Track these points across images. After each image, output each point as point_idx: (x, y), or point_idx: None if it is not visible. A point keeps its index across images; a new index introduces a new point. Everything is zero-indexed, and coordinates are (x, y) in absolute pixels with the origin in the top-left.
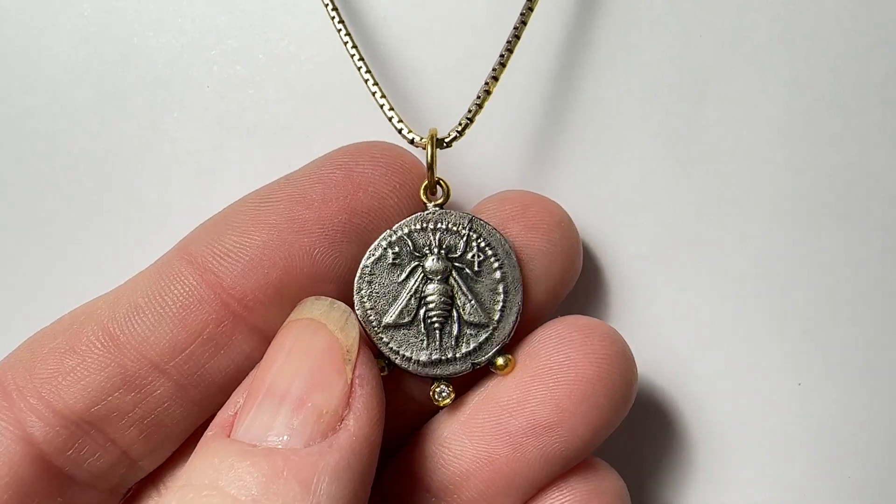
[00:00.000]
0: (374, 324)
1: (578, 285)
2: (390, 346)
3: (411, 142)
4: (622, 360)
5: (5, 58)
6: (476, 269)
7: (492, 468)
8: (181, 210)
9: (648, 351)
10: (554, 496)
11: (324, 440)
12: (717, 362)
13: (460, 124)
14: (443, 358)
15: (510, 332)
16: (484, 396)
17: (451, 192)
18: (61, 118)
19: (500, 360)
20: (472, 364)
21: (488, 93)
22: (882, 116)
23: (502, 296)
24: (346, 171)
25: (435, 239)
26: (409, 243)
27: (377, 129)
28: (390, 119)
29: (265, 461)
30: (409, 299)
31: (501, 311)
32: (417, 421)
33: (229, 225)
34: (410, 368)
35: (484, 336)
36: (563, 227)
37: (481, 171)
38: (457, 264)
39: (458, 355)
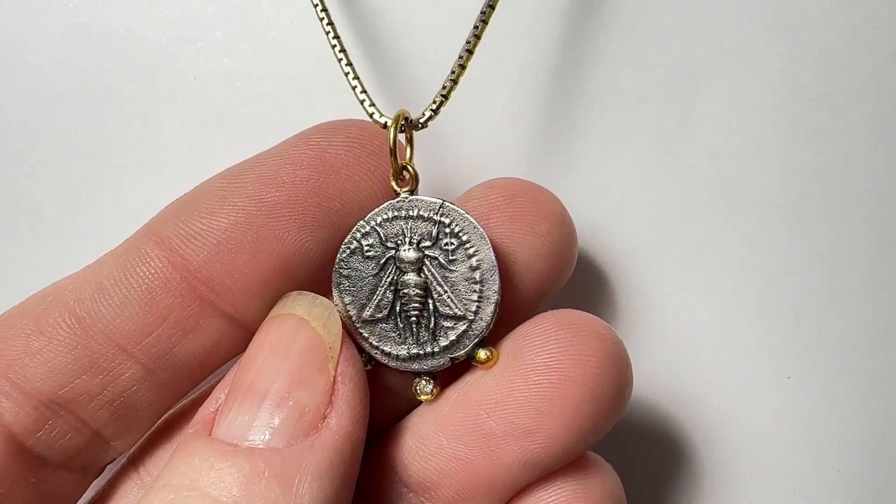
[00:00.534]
0: (353, 318)
1: (576, 279)
2: (370, 341)
3: (384, 126)
4: (613, 361)
5: None
6: (450, 257)
7: (468, 469)
8: (166, 201)
9: (639, 343)
10: (539, 495)
11: (306, 439)
12: (708, 355)
13: (434, 102)
14: (421, 352)
15: (489, 325)
16: (463, 393)
17: (420, 178)
18: (46, 110)
19: (481, 354)
20: (451, 359)
21: (463, 67)
22: (873, 111)
23: (479, 284)
24: (318, 152)
25: (407, 228)
26: (381, 234)
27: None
28: (362, 102)
29: (246, 462)
30: (385, 292)
31: (478, 301)
32: (397, 414)
33: (196, 206)
34: (391, 364)
35: (462, 328)
36: (553, 218)
37: (475, 164)
38: (429, 253)
39: (436, 349)
